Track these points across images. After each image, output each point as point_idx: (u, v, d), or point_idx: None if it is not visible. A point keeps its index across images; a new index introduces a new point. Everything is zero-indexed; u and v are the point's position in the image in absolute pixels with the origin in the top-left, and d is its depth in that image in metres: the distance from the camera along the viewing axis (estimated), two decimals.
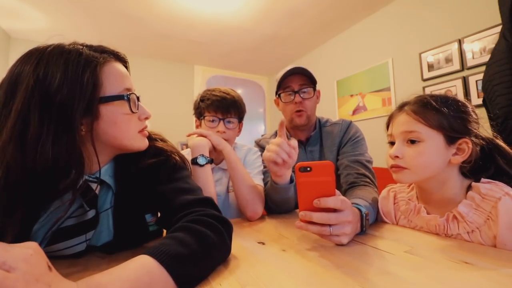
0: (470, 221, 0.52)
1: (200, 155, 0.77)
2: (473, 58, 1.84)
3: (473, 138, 0.55)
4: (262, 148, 1.03)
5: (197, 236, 0.39)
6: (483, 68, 1.23)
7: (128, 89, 0.48)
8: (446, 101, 0.56)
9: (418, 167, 0.56)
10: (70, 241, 0.47)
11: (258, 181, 0.86)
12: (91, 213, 0.48)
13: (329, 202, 0.48)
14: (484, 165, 0.57)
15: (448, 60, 1.97)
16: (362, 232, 0.56)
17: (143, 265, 0.32)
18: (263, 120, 4.63)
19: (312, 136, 1.02)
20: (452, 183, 0.57)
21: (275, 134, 0.99)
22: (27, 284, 0.22)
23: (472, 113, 0.56)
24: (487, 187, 0.52)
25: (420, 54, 2.15)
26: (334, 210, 0.49)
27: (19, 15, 2.45)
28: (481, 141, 0.57)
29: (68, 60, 0.41)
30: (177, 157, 0.57)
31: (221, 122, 0.87)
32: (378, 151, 1.12)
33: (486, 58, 1.62)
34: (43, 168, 0.39)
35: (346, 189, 0.84)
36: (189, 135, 0.87)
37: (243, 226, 0.70)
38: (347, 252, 0.47)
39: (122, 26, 2.70)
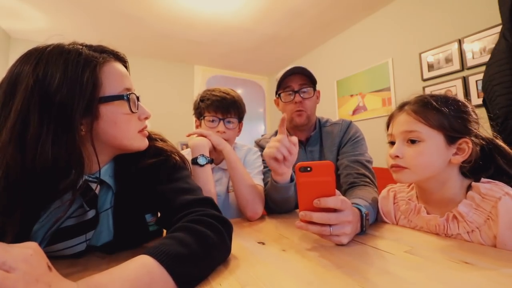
0: (470, 221, 0.52)
1: (200, 155, 0.77)
2: (473, 58, 1.84)
3: (473, 138, 0.55)
4: (262, 148, 1.03)
5: (197, 236, 0.39)
6: (483, 68, 1.23)
7: (128, 89, 0.48)
8: (447, 101, 0.56)
9: (418, 167, 0.56)
10: (70, 241, 0.47)
11: (258, 181, 0.86)
12: (91, 213, 0.48)
13: (329, 202, 0.48)
14: (484, 165, 0.57)
15: (448, 60, 1.97)
16: (362, 232, 0.56)
17: (143, 265, 0.32)
18: (263, 120, 4.63)
19: (312, 136, 1.02)
20: (452, 183, 0.57)
21: (275, 134, 0.99)
22: (27, 284, 0.22)
23: (472, 113, 0.56)
24: (487, 187, 0.52)
25: (420, 54, 2.15)
26: (334, 210, 0.49)
27: (19, 15, 2.45)
28: (481, 141, 0.57)
29: (67, 60, 0.41)
30: (177, 157, 0.57)
31: (221, 122, 0.87)
32: (378, 151, 1.12)
33: (486, 58, 1.62)
34: (43, 168, 0.39)
35: (346, 189, 0.84)
36: (189, 135, 0.87)
37: (243, 226, 0.70)
38: (347, 252, 0.47)
39: (122, 26, 2.70)
